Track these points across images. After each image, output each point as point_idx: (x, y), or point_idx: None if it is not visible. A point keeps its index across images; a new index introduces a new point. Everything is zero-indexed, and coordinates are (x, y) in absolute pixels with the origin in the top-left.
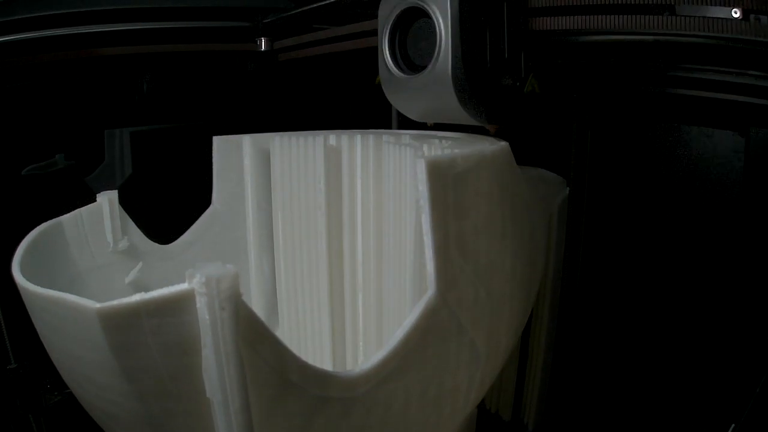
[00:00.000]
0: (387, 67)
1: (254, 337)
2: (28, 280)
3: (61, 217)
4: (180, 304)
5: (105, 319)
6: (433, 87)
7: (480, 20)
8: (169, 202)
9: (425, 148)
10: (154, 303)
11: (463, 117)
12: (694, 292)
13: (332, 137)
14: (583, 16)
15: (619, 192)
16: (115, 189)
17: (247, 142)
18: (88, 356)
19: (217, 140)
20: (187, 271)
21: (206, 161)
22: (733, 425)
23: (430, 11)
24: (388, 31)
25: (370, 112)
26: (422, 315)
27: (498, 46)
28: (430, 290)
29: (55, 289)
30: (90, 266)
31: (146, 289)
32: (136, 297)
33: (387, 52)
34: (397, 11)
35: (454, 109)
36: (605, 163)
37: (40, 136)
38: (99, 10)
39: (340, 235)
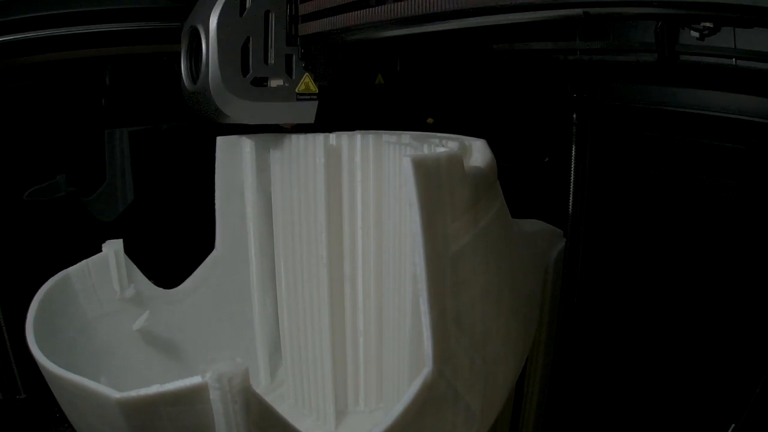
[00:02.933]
0: (183, 78)
1: (264, 423)
2: (41, 339)
3: (69, 269)
4: (194, 396)
5: (125, 407)
6: (204, 95)
7: (240, 35)
8: (169, 202)
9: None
10: (170, 394)
11: (236, 118)
12: (686, 327)
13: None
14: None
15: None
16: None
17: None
18: (107, 431)
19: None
20: (200, 366)
21: (207, 160)
22: (733, 425)
23: (200, 33)
24: (184, 50)
25: (370, 112)
26: (420, 390)
27: (263, 54)
28: (427, 367)
29: (65, 340)
30: (98, 314)
31: (153, 335)
32: (154, 388)
33: (183, 67)
34: (187, 34)
35: (222, 111)
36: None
37: (39, 136)
38: (92, 10)
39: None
